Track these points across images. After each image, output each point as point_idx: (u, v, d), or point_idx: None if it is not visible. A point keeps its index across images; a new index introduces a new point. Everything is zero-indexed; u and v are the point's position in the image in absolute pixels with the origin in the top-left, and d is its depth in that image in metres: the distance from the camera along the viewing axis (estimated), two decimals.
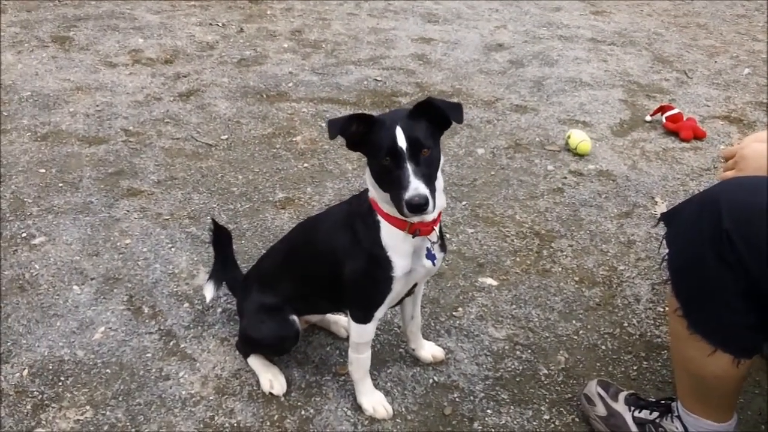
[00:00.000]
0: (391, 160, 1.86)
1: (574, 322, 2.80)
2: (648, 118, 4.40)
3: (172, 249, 3.06)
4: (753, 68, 5.41)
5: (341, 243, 2.15)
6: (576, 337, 2.73)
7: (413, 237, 2.05)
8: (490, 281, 2.98)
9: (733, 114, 4.61)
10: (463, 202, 3.50)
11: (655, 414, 2.25)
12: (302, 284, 2.33)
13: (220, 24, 5.85)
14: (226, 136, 3.99)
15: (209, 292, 2.58)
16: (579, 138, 3.95)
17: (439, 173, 2.00)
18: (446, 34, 5.84)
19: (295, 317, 2.37)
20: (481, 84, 4.89)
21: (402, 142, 1.84)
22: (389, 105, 4.44)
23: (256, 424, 2.30)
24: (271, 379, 2.43)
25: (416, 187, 1.79)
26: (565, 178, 3.77)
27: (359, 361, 2.31)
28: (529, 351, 2.65)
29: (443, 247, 2.20)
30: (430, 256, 2.12)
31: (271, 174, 3.66)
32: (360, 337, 2.25)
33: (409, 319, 2.49)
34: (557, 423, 2.37)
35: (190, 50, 5.26)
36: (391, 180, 1.89)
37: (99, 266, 2.94)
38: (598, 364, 2.62)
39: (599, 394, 2.35)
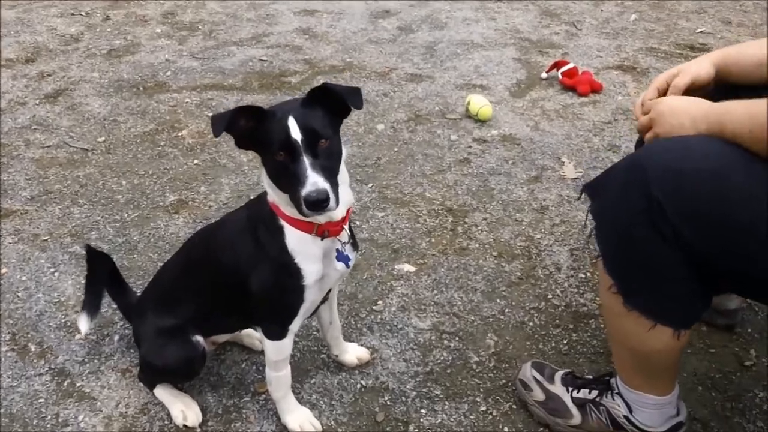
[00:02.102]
0: (286, 154, 1.67)
1: (498, 300, 2.68)
2: (544, 75, 4.31)
3: (55, 274, 2.74)
4: (639, 13, 5.41)
5: (243, 253, 1.93)
6: (502, 317, 2.61)
7: (322, 239, 1.86)
8: (407, 267, 2.82)
9: (626, 63, 4.58)
10: (369, 184, 3.31)
11: (595, 392, 2.15)
12: (204, 302, 2.10)
13: (83, 13, 5.38)
14: (102, 138, 3.63)
15: (83, 324, 2.28)
16: (479, 103, 3.81)
17: (342, 166, 1.81)
18: (330, 5, 5.58)
19: (199, 337, 2.14)
20: (372, 55, 4.68)
21: (296, 133, 1.66)
22: (279, 87, 4.17)
23: None
24: (183, 409, 2.20)
25: (314, 181, 1.62)
26: (470, 147, 3.63)
27: (279, 379, 2.11)
28: (457, 338, 2.52)
29: (355, 246, 2.02)
30: (342, 258, 1.93)
31: (158, 175, 3.35)
32: (277, 354, 2.05)
33: (327, 325, 2.30)
34: (495, 413, 2.25)
35: (52, 45, 4.80)
36: (287, 177, 1.69)
37: None
38: (527, 342, 2.51)
39: (535, 378, 2.24)
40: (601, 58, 4.65)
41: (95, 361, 2.39)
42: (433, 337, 2.52)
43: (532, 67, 4.50)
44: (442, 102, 4.05)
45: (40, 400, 2.25)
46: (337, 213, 1.81)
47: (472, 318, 2.60)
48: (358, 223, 3.05)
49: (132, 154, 3.51)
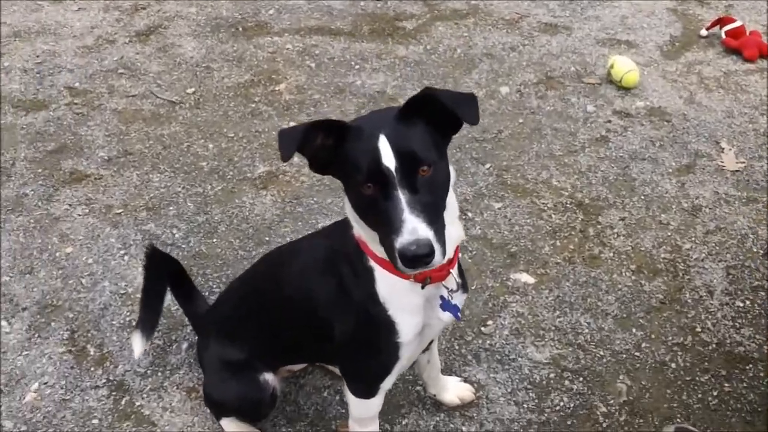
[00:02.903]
0: (375, 187, 1.28)
1: (634, 330, 2.22)
2: (703, 32, 3.64)
3: (125, 257, 2.45)
4: None
5: (323, 294, 1.57)
6: (638, 354, 2.15)
7: (423, 287, 1.45)
8: (525, 278, 2.38)
9: None
10: (487, 165, 2.84)
11: None
12: (273, 337, 1.75)
13: None
14: (192, 89, 3.26)
15: (137, 345, 1.95)
16: (624, 67, 3.22)
17: (450, 195, 1.38)
18: None
19: (268, 376, 1.81)
20: None
21: (389, 159, 1.26)
22: (392, 33, 3.67)
23: None
24: None
25: (413, 227, 1.23)
26: (609, 121, 3.08)
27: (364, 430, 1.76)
28: (581, 379, 2.08)
29: (464, 287, 1.59)
30: (449, 307, 1.52)
31: (249, 139, 2.98)
32: (363, 413, 1.69)
33: (425, 364, 1.92)
34: None
35: None
36: (377, 215, 1.30)
37: (33, 289, 2.35)
38: (668, 391, 2.06)
39: None
40: None
41: (158, 374, 2.10)
42: (552, 375, 2.10)
43: (690, 21, 3.80)
44: (580, 61, 3.47)
45: (94, 421, 1.98)
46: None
47: (602, 353, 2.16)
48: (470, 215, 2.60)
49: (222, 110, 3.14)
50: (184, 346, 2.18)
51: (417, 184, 1.27)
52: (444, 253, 1.28)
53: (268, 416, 1.92)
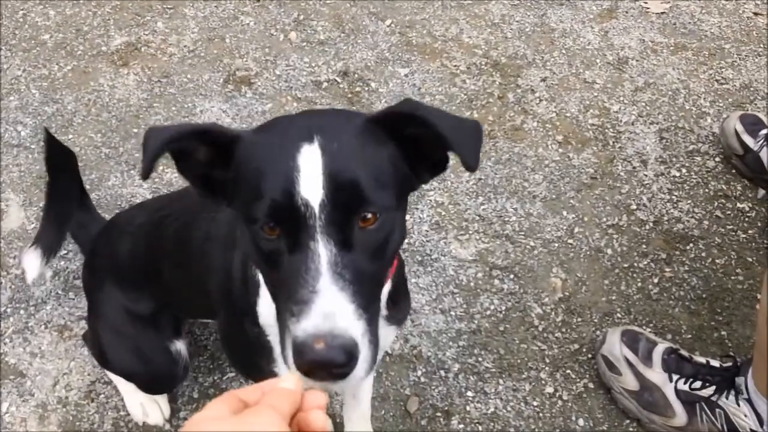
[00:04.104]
0: (281, 229, 0.83)
1: (565, 213, 2.00)
2: None
3: None
4: None
5: (214, 275, 1.23)
6: (571, 241, 1.94)
7: None
8: None
9: None
10: (388, 21, 2.44)
11: (710, 389, 1.58)
12: (176, 291, 1.42)
13: None
14: None
15: (31, 266, 1.55)
16: None
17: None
18: None
19: (180, 345, 1.51)
20: None
21: (312, 186, 0.81)
22: None
23: None
24: (143, 402, 1.59)
25: (330, 310, 0.76)
26: None
27: None
28: (512, 276, 1.87)
29: (398, 321, 1.21)
30: None
31: (99, 1, 2.42)
32: None
33: (349, 398, 1.55)
34: (565, 396, 1.70)
35: None
36: (277, 273, 0.85)
37: None
38: (605, 282, 1.88)
39: (626, 359, 1.65)
40: None
41: (21, 312, 1.74)
42: (480, 275, 1.86)
43: None
44: None
45: None
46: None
47: (532, 243, 1.93)
48: (373, 86, 2.24)
49: None
50: (49, 274, 1.81)
51: (353, 237, 0.82)
52: (374, 361, 0.81)
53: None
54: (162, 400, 1.59)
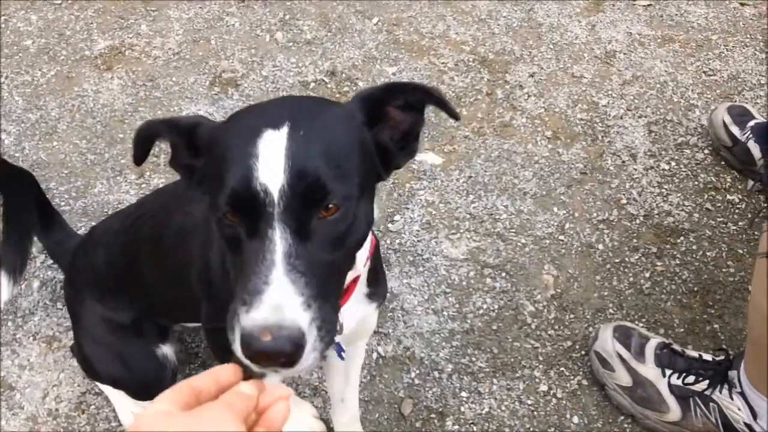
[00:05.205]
0: (241, 215, 0.82)
1: (555, 210, 1.99)
2: None
3: None
4: None
5: (195, 270, 1.23)
6: (563, 238, 1.94)
7: None
8: (431, 158, 2.08)
9: None
10: (374, 19, 2.42)
11: (704, 383, 1.58)
12: (158, 293, 1.40)
13: None
14: None
15: (4, 289, 1.53)
16: None
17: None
18: None
19: (166, 349, 1.50)
20: None
21: (271, 172, 0.79)
22: None
23: None
24: (135, 411, 1.58)
25: (278, 302, 0.76)
26: None
27: None
28: (504, 274, 1.86)
29: (378, 297, 1.21)
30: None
31: (81, 5, 2.39)
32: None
33: (337, 401, 1.52)
34: (560, 395, 1.69)
35: None
36: (236, 259, 0.84)
37: None
38: (597, 278, 1.87)
39: (619, 355, 1.64)
40: None
41: (9, 324, 1.73)
42: (472, 273, 1.86)
43: None
44: None
45: None
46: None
47: (523, 240, 1.92)
48: (361, 85, 2.23)
49: None
50: (36, 285, 1.79)
51: (311, 225, 0.81)
52: (324, 350, 0.79)
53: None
54: None
